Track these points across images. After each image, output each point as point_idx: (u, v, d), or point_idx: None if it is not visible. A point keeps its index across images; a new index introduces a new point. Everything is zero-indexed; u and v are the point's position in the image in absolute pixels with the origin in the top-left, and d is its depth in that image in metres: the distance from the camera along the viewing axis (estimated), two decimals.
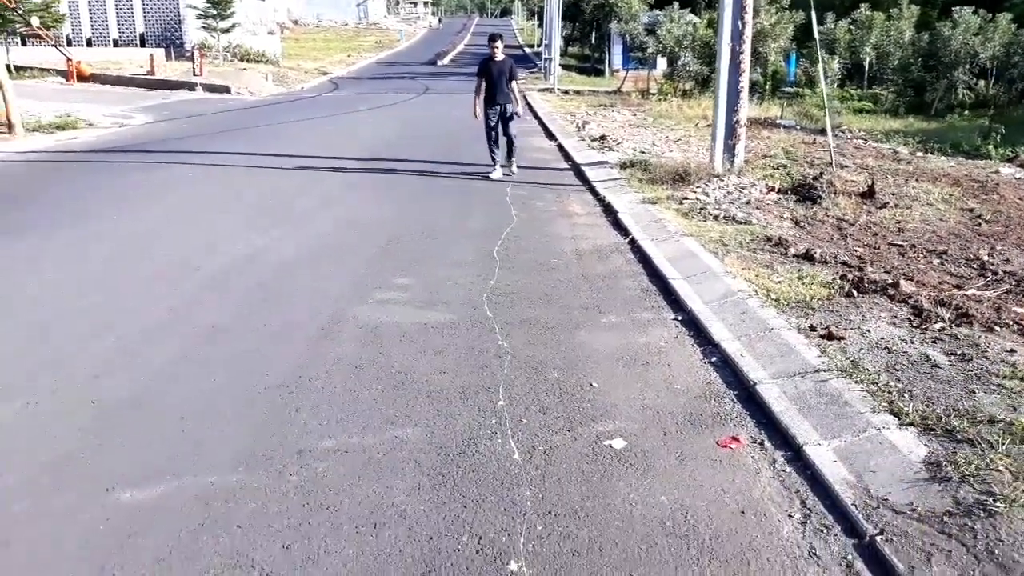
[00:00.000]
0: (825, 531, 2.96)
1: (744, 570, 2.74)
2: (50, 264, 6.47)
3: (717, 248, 6.83)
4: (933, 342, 4.60)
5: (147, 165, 11.70)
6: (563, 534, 2.92)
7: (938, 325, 4.89)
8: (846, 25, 27.08)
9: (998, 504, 2.90)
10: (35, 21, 30.23)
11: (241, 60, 36.29)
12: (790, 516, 3.06)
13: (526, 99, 10.88)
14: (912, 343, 4.58)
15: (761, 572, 2.73)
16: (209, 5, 34.29)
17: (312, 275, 6.23)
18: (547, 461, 3.44)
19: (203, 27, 34.80)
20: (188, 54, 33.47)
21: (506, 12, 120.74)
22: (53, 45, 30.10)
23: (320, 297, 5.65)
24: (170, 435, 3.61)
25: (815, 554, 2.82)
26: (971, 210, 8.63)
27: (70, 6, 35.72)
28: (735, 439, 3.66)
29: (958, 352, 4.42)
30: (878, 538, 2.81)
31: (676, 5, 29.87)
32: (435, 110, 21.77)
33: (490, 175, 10.84)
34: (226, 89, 27.07)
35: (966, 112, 23.00)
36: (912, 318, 5.05)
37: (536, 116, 19.57)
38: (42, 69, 28.51)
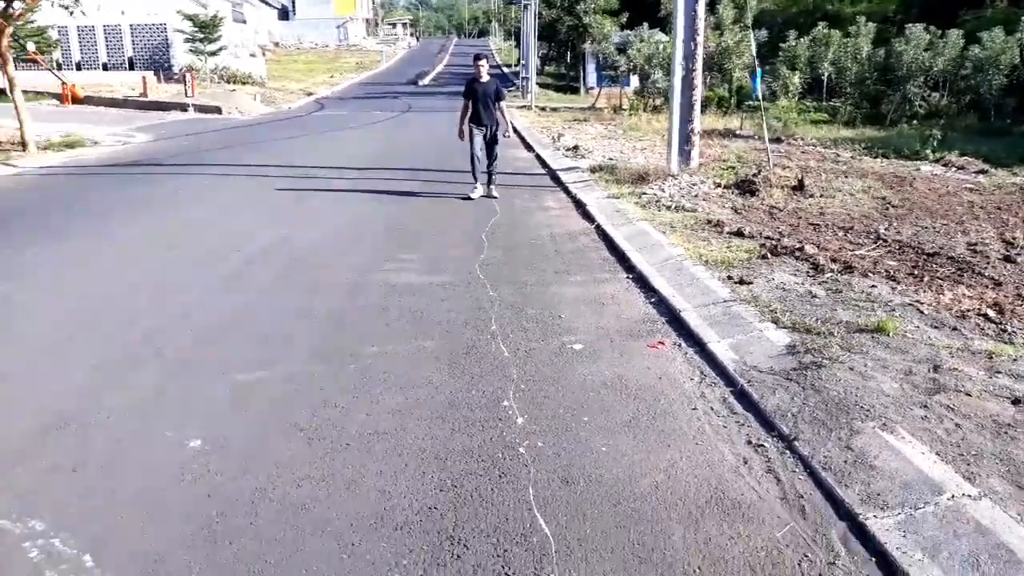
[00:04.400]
0: (713, 385, 4.43)
1: (658, 405, 4.19)
2: (122, 250, 7.86)
3: (666, 229, 8.32)
4: (819, 284, 6.11)
5: (163, 176, 13.07)
6: (538, 389, 4.37)
7: (828, 274, 6.40)
8: (806, 42, 28.79)
9: (825, 363, 4.38)
10: (31, 46, 31.50)
11: (228, 82, 37.62)
12: (691, 379, 4.53)
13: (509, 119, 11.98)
14: (803, 285, 6.08)
15: (669, 405, 4.19)
16: (196, 29, 35.71)
17: (334, 253, 7.66)
18: (527, 356, 4.89)
19: (190, 50, 36.15)
20: (176, 76, 34.80)
21: (483, 33, 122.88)
22: (48, 69, 31.34)
23: (344, 267, 7.08)
24: (257, 343, 5.02)
25: (704, 395, 4.29)
26: (884, 198, 10.20)
27: (60, 31, 36.91)
28: (661, 343, 5.13)
29: (834, 289, 5.93)
30: (745, 384, 4.29)
31: (646, 25, 31.71)
32: (420, 126, 23.26)
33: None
34: (217, 109, 28.34)
35: (915, 122, 24.70)
36: (809, 271, 6.55)
37: (516, 130, 21.09)
38: (36, 92, 29.68)
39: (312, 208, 10.12)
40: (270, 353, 4.90)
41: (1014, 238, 7.75)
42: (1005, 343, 4.78)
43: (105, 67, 38.54)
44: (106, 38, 38.81)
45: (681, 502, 3.25)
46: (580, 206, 10.28)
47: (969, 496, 3.10)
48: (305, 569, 2.80)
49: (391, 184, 11.97)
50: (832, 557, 2.90)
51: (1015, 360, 4.47)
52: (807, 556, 2.90)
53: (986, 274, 6.46)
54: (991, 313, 5.33)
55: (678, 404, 4.22)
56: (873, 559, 2.87)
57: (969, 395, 4.02)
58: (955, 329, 5.04)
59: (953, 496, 3.10)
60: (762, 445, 3.73)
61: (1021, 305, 5.58)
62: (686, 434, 3.87)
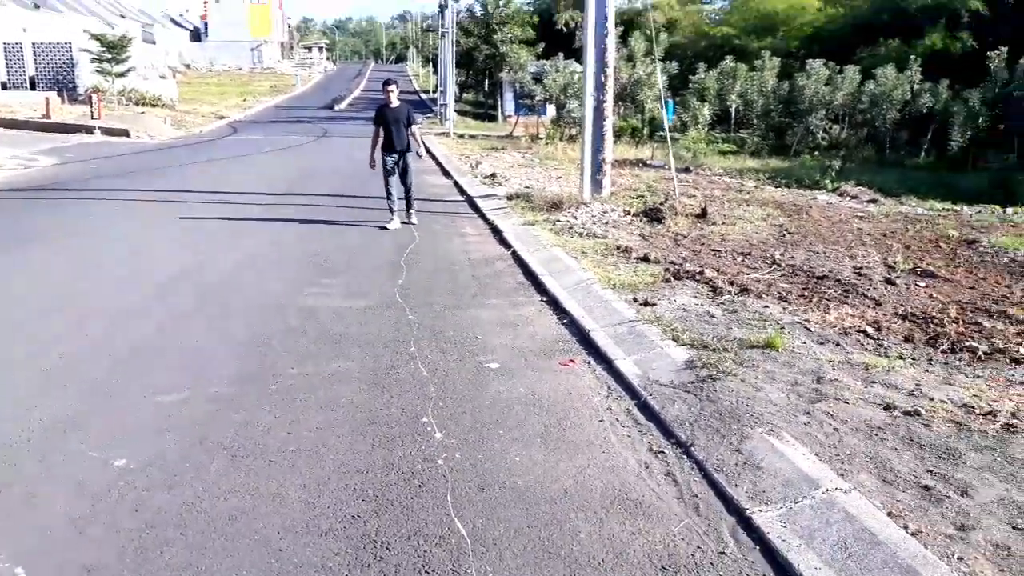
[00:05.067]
0: (619, 398, 4.75)
1: (568, 417, 4.48)
2: (31, 276, 7.72)
3: (577, 254, 8.69)
4: (717, 305, 6.54)
5: (70, 201, 12.78)
6: (456, 406, 4.60)
7: (725, 296, 6.85)
8: (715, 75, 30.07)
9: (719, 376, 4.76)
10: None
11: (137, 104, 36.64)
12: (599, 393, 4.84)
13: (424, 143, 12.06)
14: (703, 306, 6.50)
15: (578, 417, 4.48)
16: (104, 49, 34.73)
17: (253, 279, 7.72)
18: (445, 375, 5.11)
19: (97, 71, 35.08)
20: (82, 97, 33.74)
21: (401, 59, 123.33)
22: None
23: (263, 292, 7.16)
24: (181, 368, 5.08)
25: (610, 408, 4.60)
26: (781, 226, 10.88)
27: None
28: (571, 361, 5.44)
29: (731, 309, 6.38)
30: (648, 397, 4.62)
31: (561, 56, 32.56)
32: (336, 151, 23.28)
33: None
34: (125, 133, 27.58)
35: (816, 153, 26.07)
36: (709, 293, 6.99)
37: (433, 157, 21.28)
38: None
39: (228, 234, 10.11)
40: (191, 376, 4.98)
41: (895, 262, 8.42)
42: (881, 356, 5.27)
43: (4, 86, 37.02)
44: (5, 56, 37.29)
45: (588, 504, 3.53)
46: (497, 232, 10.58)
47: (841, 490, 3.47)
48: (235, 573, 2.94)
49: (309, 211, 12.02)
50: (722, 547, 3.21)
51: (888, 371, 4.94)
52: (699, 548, 3.21)
53: (869, 295, 7.04)
54: (870, 330, 5.85)
55: (587, 416, 4.51)
56: (757, 547, 3.20)
57: (847, 403, 4.45)
58: (838, 344, 5.52)
59: (827, 491, 3.47)
60: (662, 451, 4.05)
61: (897, 322, 6.14)
62: (593, 443, 4.16)
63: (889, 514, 3.28)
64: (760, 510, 3.40)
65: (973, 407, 4.34)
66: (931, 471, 3.66)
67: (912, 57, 26.94)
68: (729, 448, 3.94)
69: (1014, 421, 4.14)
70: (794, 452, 3.83)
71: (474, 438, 4.18)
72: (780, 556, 3.10)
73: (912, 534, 3.13)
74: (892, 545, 3.04)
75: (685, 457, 3.98)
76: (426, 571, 3.00)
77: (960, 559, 2.97)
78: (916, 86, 26.06)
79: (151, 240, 9.63)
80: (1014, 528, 3.17)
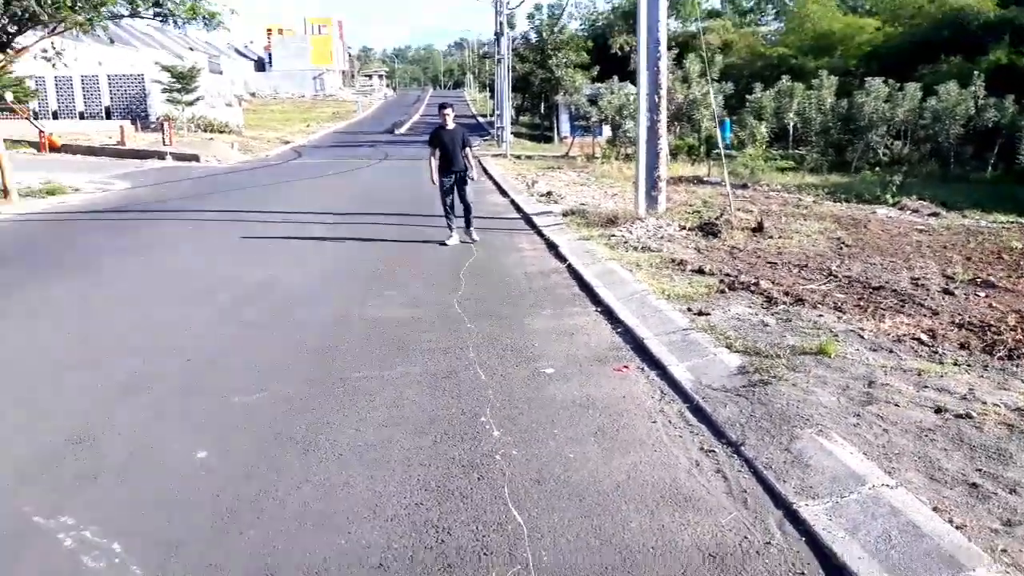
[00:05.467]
0: (672, 402, 4.89)
1: (621, 419, 4.63)
2: (115, 291, 8.22)
3: (632, 267, 8.84)
4: (771, 315, 6.62)
5: (147, 221, 13.47)
6: (513, 407, 4.80)
7: (780, 306, 6.92)
8: (772, 94, 29.92)
9: (771, 381, 4.86)
10: (9, 96, 31.85)
11: (206, 131, 38.11)
12: (652, 397, 4.99)
13: (480, 163, 12.38)
14: (757, 315, 6.59)
15: (631, 419, 4.63)
16: (174, 80, 36.30)
17: (320, 291, 8.07)
18: (503, 378, 5.33)
19: (168, 100, 36.64)
20: (154, 125, 35.30)
21: (458, 84, 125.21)
22: (26, 118, 31.69)
23: (330, 303, 7.50)
24: (255, 373, 5.41)
25: (663, 411, 4.74)
26: (839, 239, 10.84)
27: (36, 81, 37.28)
28: (625, 367, 5.59)
29: (785, 319, 6.45)
30: (700, 400, 4.75)
31: (616, 78, 32.83)
32: (396, 173, 23.87)
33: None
34: (195, 157, 28.75)
35: (877, 168, 25.68)
36: (763, 303, 7.07)
37: (491, 177, 21.76)
38: (13, 141, 29.94)
39: (296, 251, 10.54)
40: (264, 379, 5.29)
41: (954, 273, 8.35)
42: (935, 363, 5.29)
43: (82, 116, 38.94)
44: (83, 88, 39.24)
45: (639, 497, 3.68)
46: (553, 247, 10.79)
47: (887, 486, 3.55)
48: (308, 552, 3.19)
49: (371, 229, 12.43)
50: (769, 538, 3.33)
51: (941, 376, 4.97)
52: (746, 538, 3.34)
53: (925, 305, 7.02)
54: (924, 337, 5.87)
55: (639, 418, 4.66)
56: (803, 538, 3.31)
57: (897, 405, 4.51)
58: (891, 351, 5.55)
59: (874, 487, 3.55)
60: (712, 450, 4.18)
61: (954, 331, 6.13)
62: (646, 442, 4.31)
63: (935, 509, 3.35)
64: (807, 504, 3.51)
65: None
66: (980, 470, 3.71)
67: (976, 73, 26.43)
68: (779, 447, 4.05)
69: None
70: (842, 451, 3.92)
71: (530, 437, 4.37)
72: (825, 546, 3.21)
73: (957, 527, 3.20)
74: (936, 537, 3.12)
75: (735, 456, 4.10)
76: (485, 553, 3.19)
77: (1004, 551, 3.03)
78: (981, 101, 25.55)
79: (223, 257, 10.11)
80: None
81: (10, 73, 29.94)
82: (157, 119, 35.19)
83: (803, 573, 3.08)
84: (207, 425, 4.52)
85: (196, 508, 3.55)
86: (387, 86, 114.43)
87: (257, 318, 6.95)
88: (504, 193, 18.23)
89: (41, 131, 29.23)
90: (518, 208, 15.42)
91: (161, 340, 6.23)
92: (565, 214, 13.57)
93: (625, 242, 10.49)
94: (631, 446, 4.26)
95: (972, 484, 3.58)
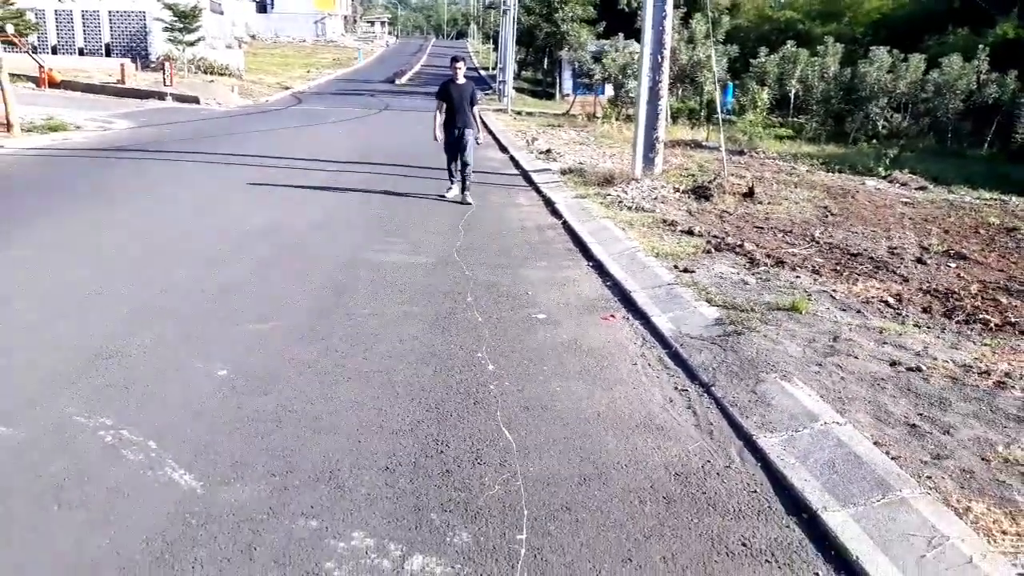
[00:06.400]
0: (652, 347, 5.32)
1: (605, 360, 5.07)
2: (126, 225, 8.58)
3: (624, 226, 9.22)
4: (752, 274, 7.04)
5: (150, 162, 13.71)
6: (506, 346, 5.23)
7: (761, 267, 7.33)
8: (776, 59, 29.86)
9: (744, 332, 5.30)
10: (10, 28, 31.65)
11: (206, 72, 37.87)
12: (635, 343, 5.42)
13: (484, 121, 12.48)
14: (738, 275, 7.01)
15: (614, 360, 5.07)
16: (176, 19, 35.99)
17: (324, 235, 8.44)
18: (498, 321, 5.75)
19: (169, 39, 36.34)
20: (154, 64, 35.14)
21: (462, 35, 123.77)
22: (27, 52, 31.51)
23: (334, 246, 7.88)
24: (266, 304, 5.81)
25: (643, 355, 5.18)
26: (826, 207, 11.23)
27: (36, 15, 36.93)
28: (612, 316, 6.02)
29: (764, 278, 6.87)
30: (678, 347, 5.19)
31: (621, 36, 32.72)
32: (397, 124, 24.02)
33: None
34: (195, 100, 28.74)
35: (875, 141, 25.86)
36: (746, 264, 7.48)
37: (491, 132, 21.95)
38: (13, 74, 29.79)
39: (298, 197, 10.87)
40: (275, 311, 5.70)
41: (930, 244, 8.77)
42: (897, 323, 5.73)
43: (81, 52, 38.63)
44: (84, 23, 38.90)
45: (616, 425, 4.13)
46: (549, 204, 11.15)
47: (837, 423, 4.00)
48: (323, 456, 3.62)
49: (372, 179, 12.74)
50: (728, 463, 3.78)
51: (900, 335, 5.41)
52: (709, 462, 3.79)
53: (898, 272, 7.45)
54: (891, 300, 6.30)
55: (622, 360, 5.10)
56: (759, 464, 3.76)
57: (856, 358, 4.95)
58: (859, 311, 5.99)
59: (825, 423, 4.00)
60: (685, 390, 4.63)
61: (919, 296, 6.56)
62: (626, 381, 4.75)
63: (876, 443, 3.81)
64: (765, 436, 3.96)
65: (972, 367, 4.81)
66: (921, 414, 4.17)
67: (981, 46, 26.44)
68: (745, 389, 4.49)
69: (1006, 379, 4.60)
70: (801, 393, 4.36)
71: (522, 372, 4.81)
72: (777, 470, 3.66)
73: (892, 458, 3.66)
74: (873, 465, 3.58)
75: (705, 395, 4.55)
76: (479, 463, 3.64)
77: (929, 478, 3.49)
78: (983, 76, 25.64)
79: (228, 200, 10.44)
80: (982, 459, 3.68)
81: (11, 4, 29.83)
82: (158, 58, 35.02)
83: (756, 491, 3.54)
84: (225, 348, 4.93)
85: (220, 416, 3.98)
86: (389, 33, 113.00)
87: (264, 257, 7.31)
88: (504, 149, 18.50)
89: (41, 66, 29.13)
90: (517, 164, 15.72)
91: (173, 274, 6.60)
92: (563, 172, 13.90)
93: (620, 202, 10.86)
94: (612, 383, 4.70)
95: (912, 425, 4.03)
